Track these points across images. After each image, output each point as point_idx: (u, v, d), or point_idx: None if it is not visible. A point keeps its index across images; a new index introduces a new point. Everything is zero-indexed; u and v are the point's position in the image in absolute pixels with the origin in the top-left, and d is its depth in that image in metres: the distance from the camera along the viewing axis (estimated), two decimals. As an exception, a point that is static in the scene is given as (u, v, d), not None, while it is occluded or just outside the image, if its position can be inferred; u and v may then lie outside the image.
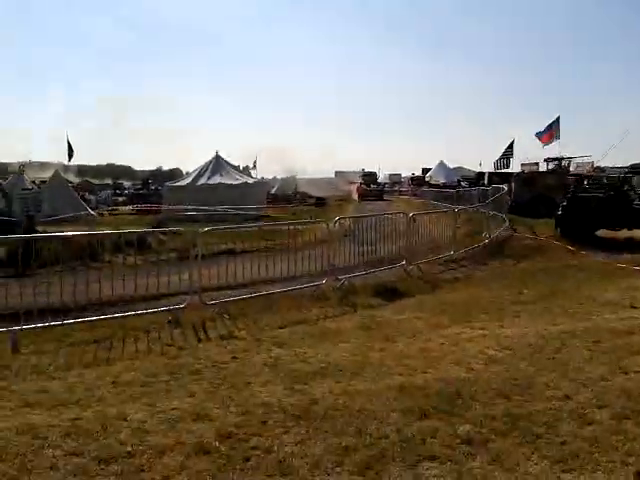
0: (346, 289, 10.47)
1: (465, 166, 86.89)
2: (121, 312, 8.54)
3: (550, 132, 29.01)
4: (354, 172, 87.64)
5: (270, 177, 71.23)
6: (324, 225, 11.12)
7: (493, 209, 19.22)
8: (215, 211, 27.95)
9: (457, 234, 15.37)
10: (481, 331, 7.73)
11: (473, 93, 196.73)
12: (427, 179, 71.59)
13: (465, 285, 11.17)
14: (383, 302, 9.68)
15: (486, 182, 34.46)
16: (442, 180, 68.03)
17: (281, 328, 7.97)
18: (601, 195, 16.77)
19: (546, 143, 29.25)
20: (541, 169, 37.32)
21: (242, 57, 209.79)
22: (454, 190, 38.46)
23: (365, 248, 11.55)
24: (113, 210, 40.91)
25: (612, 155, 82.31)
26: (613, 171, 38.51)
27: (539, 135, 29.87)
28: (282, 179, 70.54)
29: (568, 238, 16.83)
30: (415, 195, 58.42)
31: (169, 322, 8.43)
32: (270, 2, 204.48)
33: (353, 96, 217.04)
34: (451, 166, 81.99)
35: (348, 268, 11.39)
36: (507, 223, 17.99)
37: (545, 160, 26.76)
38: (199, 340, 7.56)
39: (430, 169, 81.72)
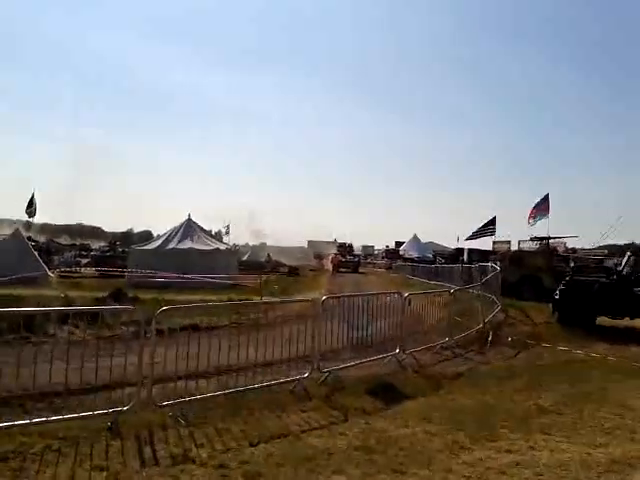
0: (333, 385, 8.64)
1: (436, 241, 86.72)
2: (45, 415, 6.59)
3: (534, 210, 28.16)
4: (327, 242, 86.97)
5: (242, 243, 70.07)
6: (308, 304, 9.21)
7: (483, 290, 17.80)
8: (184, 278, 26.04)
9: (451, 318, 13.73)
10: (511, 456, 6.00)
11: (448, 168, 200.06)
12: (401, 252, 71.09)
13: (471, 383, 9.39)
14: (380, 406, 7.82)
15: (465, 259, 33.37)
16: (415, 254, 67.58)
17: (253, 445, 6.07)
18: (603, 280, 15.43)
19: (532, 220, 28.35)
20: (513, 247, 36.52)
21: (209, 118, 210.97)
22: (432, 265, 37.36)
23: (355, 333, 9.71)
24: (73, 272, 38.65)
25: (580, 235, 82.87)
26: (587, 252, 37.75)
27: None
28: (253, 246, 69.35)
29: (566, 324, 15.36)
30: (390, 268, 57.41)
31: (109, 429, 6.50)
32: (239, 61, 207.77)
33: (325, 163, 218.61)
34: (423, 240, 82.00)
35: (333, 356, 9.59)
36: (499, 306, 16.46)
37: (531, 239, 25.68)
38: (142, 462, 5.61)
39: (403, 242, 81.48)
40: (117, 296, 19.63)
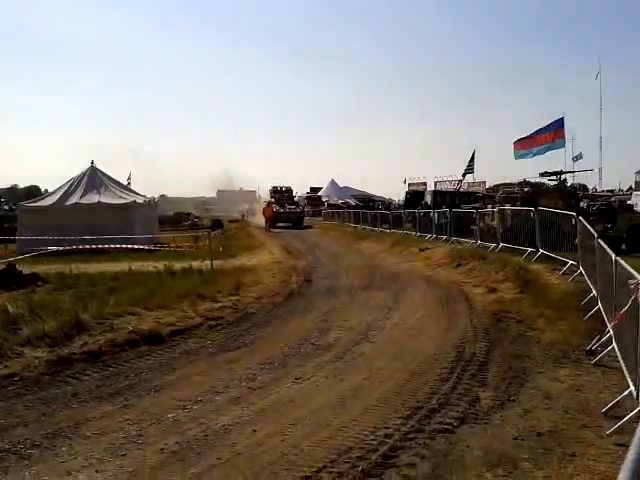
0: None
1: (351, 185, 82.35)
2: None
3: (542, 137, 23.18)
4: (238, 191, 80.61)
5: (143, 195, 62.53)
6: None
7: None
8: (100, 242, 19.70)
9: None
10: None
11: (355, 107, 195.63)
12: (325, 199, 66.36)
13: None
14: None
15: (429, 202, 28.91)
16: (340, 200, 63.22)
17: None
18: None
19: (520, 151, 23.30)
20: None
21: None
22: (385, 211, 32.69)
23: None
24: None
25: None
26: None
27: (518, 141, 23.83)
28: (152, 198, 61.71)
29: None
30: (313, 216, 52.44)
31: None
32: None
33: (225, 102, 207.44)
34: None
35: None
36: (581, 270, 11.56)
37: (541, 175, 21.16)
38: None
39: (319, 188, 76.63)
40: (8, 276, 13.48)
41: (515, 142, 23.30)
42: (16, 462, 4.26)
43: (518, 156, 23.04)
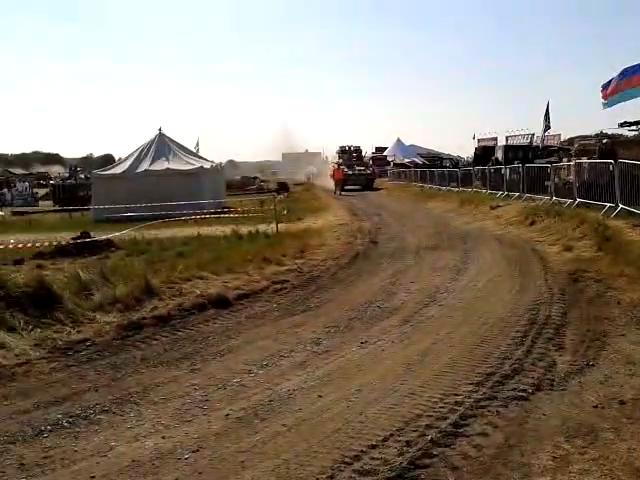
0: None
1: (417, 144, 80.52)
2: None
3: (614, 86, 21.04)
4: (302, 153, 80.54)
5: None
6: None
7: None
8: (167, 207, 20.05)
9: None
10: None
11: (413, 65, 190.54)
12: (391, 158, 65.29)
13: None
14: None
15: (500, 158, 27.84)
16: (406, 159, 62.04)
17: None
18: None
19: (609, 98, 21.28)
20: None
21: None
22: (454, 169, 31.92)
23: None
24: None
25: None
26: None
27: (605, 86, 21.53)
28: (219, 164, 62.65)
29: None
30: (379, 177, 51.50)
31: None
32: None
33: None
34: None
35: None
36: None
37: (620, 125, 19.84)
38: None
39: (384, 147, 75.41)
40: (82, 244, 13.90)
41: (603, 89, 20.88)
42: (86, 427, 4.33)
43: (607, 104, 20.85)
